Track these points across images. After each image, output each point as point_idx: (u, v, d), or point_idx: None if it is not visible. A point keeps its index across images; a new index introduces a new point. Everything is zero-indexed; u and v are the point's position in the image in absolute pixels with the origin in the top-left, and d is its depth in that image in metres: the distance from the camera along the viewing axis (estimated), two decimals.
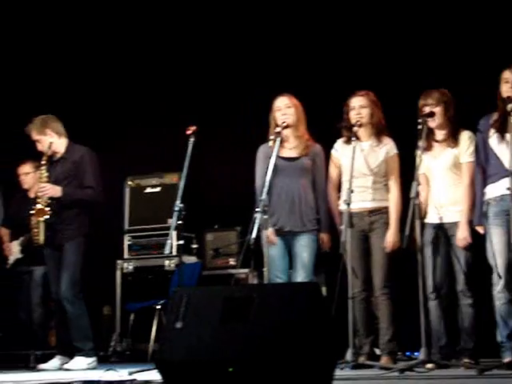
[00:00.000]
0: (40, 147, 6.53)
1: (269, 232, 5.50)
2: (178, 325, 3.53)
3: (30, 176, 7.63)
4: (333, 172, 5.79)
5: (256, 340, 3.36)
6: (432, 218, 5.53)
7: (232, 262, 7.81)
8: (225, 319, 3.46)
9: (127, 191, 8.12)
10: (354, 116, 5.67)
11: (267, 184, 5.40)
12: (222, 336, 3.43)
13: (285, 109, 5.76)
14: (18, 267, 7.78)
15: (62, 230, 6.41)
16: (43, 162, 6.49)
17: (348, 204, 5.40)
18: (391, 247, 5.58)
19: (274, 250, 5.64)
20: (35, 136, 6.51)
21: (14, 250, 7.77)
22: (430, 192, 5.55)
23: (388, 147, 5.71)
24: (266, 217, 5.34)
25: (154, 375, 4.28)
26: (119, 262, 8.02)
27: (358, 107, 5.68)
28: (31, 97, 8.77)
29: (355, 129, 5.60)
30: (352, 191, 5.41)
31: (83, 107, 8.77)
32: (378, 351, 5.73)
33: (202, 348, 3.44)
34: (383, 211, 5.66)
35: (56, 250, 6.45)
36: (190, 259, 7.68)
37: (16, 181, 7.78)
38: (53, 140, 6.50)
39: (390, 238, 5.58)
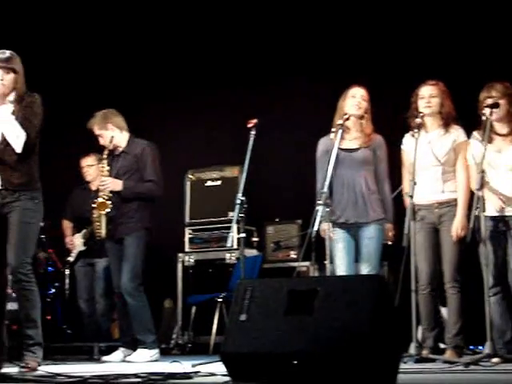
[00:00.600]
0: (102, 142, 6.59)
1: (325, 226, 5.46)
2: (242, 317, 3.54)
3: (93, 168, 7.70)
4: (405, 167, 5.73)
5: (320, 332, 3.35)
6: (492, 211, 5.44)
7: (293, 254, 7.81)
8: (289, 312, 3.46)
9: (188, 185, 8.16)
10: (423, 105, 5.61)
11: (329, 176, 5.37)
12: (286, 328, 3.43)
13: (360, 100, 5.64)
14: (81, 260, 7.88)
15: (123, 224, 6.46)
16: (104, 156, 6.55)
17: (411, 196, 5.35)
18: (456, 235, 5.50)
19: (339, 243, 5.60)
20: (97, 131, 6.58)
21: (77, 243, 7.87)
22: (487, 185, 5.45)
23: (456, 134, 5.61)
24: (327, 209, 5.32)
25: (218, 367, 4.31)
26: (180, 255, 8.07)
27: (428, 96, 5.60)
28: (94, 90, 8.92)
29: (418, 120, 5.53)
30: (415, 183, 5.36)
31: (145, 101, 8.86)
32: (441, 345, 5.67)
33: (267, 340, 3.44)
34: (452, 204, 5.57)
35: (118, 243, 6.50)
36: (251, 252, 7.69)
37: (78, 173, 7.87)
38: (114, 134, 6.56)
39: (456, 224, 5.49)
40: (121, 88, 8.90)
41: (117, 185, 6.47)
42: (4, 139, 5.10)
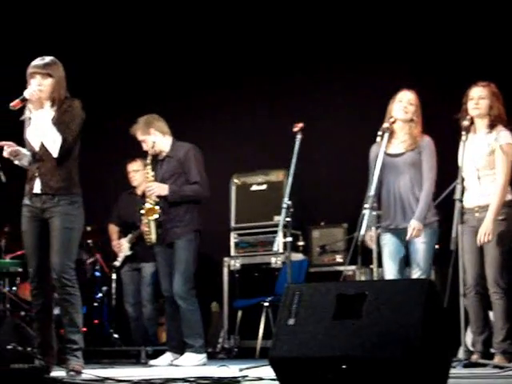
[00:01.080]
0: (145, 147, 6.64)
1: (368, 236, 5.43)
2: (291, 321, 3.54)
3: (139, 173, 7.73)
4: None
5: (369, 337, 3.33)
6: None
7: (339, 258, 7.78)
8: (337, 316, 3.45)
9: (233, 189, 8.17)
10: (471, 107, 5.56)
11: (375, 181, 5.34)
12: (334, 333, 3.42)
13: (407, 104, 5.59)
14: (127, 264, 7.93)
15: (172, 228, 6.48)
16: (148, 162, 6.60)
17: (460, 200, 5.30)
18: (480, 240, 5.43)
19: (387, 247, 5.56)
20: (140, 136, 6.62)
21: (123, 248, 7.91)
22: None
23: (494, 137, 5.50)
24: (374, 213, 5.30)
25: (265, 372, 4.32)
26: (226, 259, 8.10)
27: (477, 98, 5.54)
28: (140, 95, 9.02)
29: (465, 122, 5.48)
30: (464, 187, 5.31)
31: (191, 106, 8.92)
32: (492, 350, 5.60)
33: (315, 345, 3.43)
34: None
35: (167, 248, 6.53)
36: (297, 256, 7.67)
37: (125, 178, 7.93)
38: (157, 139, 6.59)
39: (481, 229, 5.42)
40: (166, 93, 8.98)
41: (162, 189, 6.50)
42: (43, 144, 5.16)
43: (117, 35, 9.31)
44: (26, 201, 5.26)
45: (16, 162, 5.31)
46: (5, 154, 5.20)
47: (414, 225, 5.42)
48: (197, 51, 9.06)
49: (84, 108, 5.28)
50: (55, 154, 5.10)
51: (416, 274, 5.48)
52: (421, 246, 5.49)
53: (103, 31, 9.34)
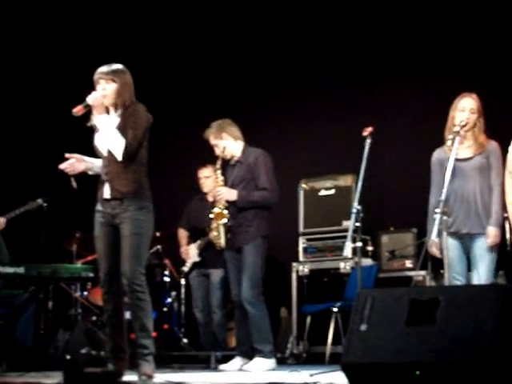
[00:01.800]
0: (217, 152, 6.69)
1: (439, 240, 5.37)
2: (363, 327, 3.52)
3: (209, 180, 7.74)
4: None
5: (443, 343, 3.31)
6: None
7: (408, 264, 7.70)
8: (410, 321, 3.44)
9: (301, 194, 8.16)
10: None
11: (446, 185, 5.29)
12: (408, 339, 3.40)
13: (468, 113, 5.54)
14: (196, 270, 7.96)
15: (241, 233, 6.51)
16: (218, 166, 6.64)
17: None
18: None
19: (452, 252, 5.50)
20: (212, 141, 6.67)
21: (192, 253, 7.94)
22: None
23: None
24: (445, 218, 5.24)
25: (336, 377, 4.30)
26: (295, 264, 8.08)
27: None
28: (212, 100, 9.11)
29: None
30: None
31: (260, 111, 8.97)
32: None
33: (388, 351, 3.42)
34: None
35: (236, 253, 6.56)
36: (366, 261, 7.61)
37: (196, 184, 7.98)
38: (228, 144, 6.64)
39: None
40: (237, 98, 9.04)
41: (231, 194, 6.54)
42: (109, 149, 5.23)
43: (188, 41, 9.42)
44: (98, 206, 5.32)
45: (90, 173, 5.41)
46: (62, 166, 5.31)
47: (492, 231, 5.42)
48: (266, 56, 9.11)
49: (153, 113, 5.34)
50: (119, 157, 5.15)
51: (479, 279, 5.42)
52: (483, 253, 5.44)
53: (173, 37, 9.47)
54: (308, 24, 8.83)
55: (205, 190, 7.91)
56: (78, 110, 5.13)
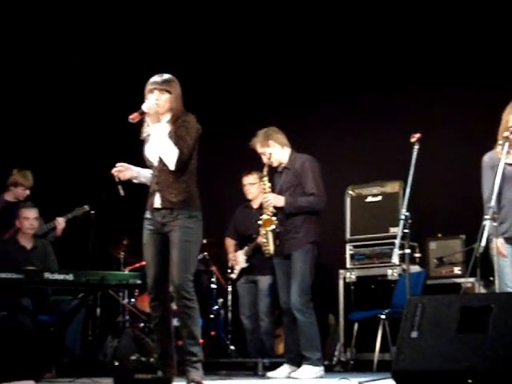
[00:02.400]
0: (265, 160, 6.71)
1: (498, 242, 5.32)
2: (414, 334, 3.51)
3: (254, 187, 7.78)
4: None
5: (495, 350, 3.28)
6: None
7: (457, 270, 7.64)
8: (462, 329, 3.42)
9: (348, 200, 8.15)
10: None
11: (495, 191, 5.24)
12: (459, 346, 3.38)
13: None
14: (244, 277, 7.97)
15: (289, 239, 6.53)
16: (265, 173, 6.69)
17: None
18: None
19: (504, 259, 5.44)
20: (259, 149, 6.71)
21: (240, 260, 7.95)
22: None
23: None
24: (495, 224, 5.19)
25: None
26: (342, 271, 8.06)
27: None
28: (256, 108, 9.15)
29: None
30: None
31: (307, 117, 8.99)
32: None
33: (439, 358, 3.40)
34: None
35: (285, 259, 6.58)
36: (414, 268, 7.57)
37: (242, 191, 7.99)
38: (275, 151, 6.67)
39: None
40: (283, 105, 9.06)
41: (279, 200, 6.56)
42: (161, 158, 5.27)
43: (233, 48, 9.47)
44: (148, 215, 5.37)
45: (134, 181, 5.46)
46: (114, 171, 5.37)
47: None
48: (314, 63, 9.11)
49: (199, 122, 5.39)
50: (172, 166, 5.20)
51: None
52: None
53: (217, 44, 9.51)
54: (358, 30, 8.84)
55: (249, 196, 7.93)
56: (134, 117, 5.20)
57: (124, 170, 5.38)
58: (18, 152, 9.00)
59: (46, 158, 9.42)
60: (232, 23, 9.43)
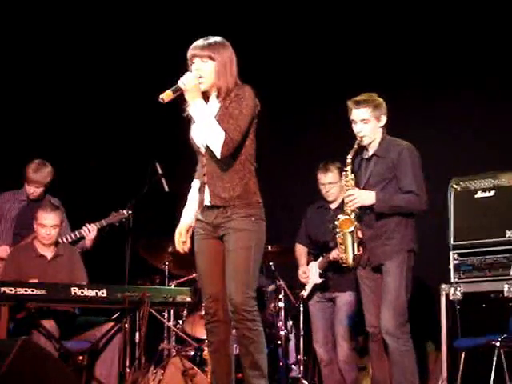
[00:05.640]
0: (357, 130, 6.45)
1: None
2: None
3: (335, 187, 7.78)
4: None
5: None
6: None
7: None
8: None
9: (452, 197, 7.94)
10: None
11: None
12: None
13: None
14: (317, 293, 7.94)
15: (379, 246, 6.39)
16: (348, 161, 6.45)
17: None
18: None
19: None
20: (359, 115, 6.43)
21: (313, 274, 7.91)
22: None
23: None
24: None
25: None
26: (444, 286, 7.81)
27: None
28: (335, 88, 9.08)
29: None
30: None
31: (404, 96, 8.95)
32: None
33: None
34: None
35: (373, 271, 6.46)
36: None
37: (316, 189, 7.98)
38: (372, 125, 6.44)
39: None
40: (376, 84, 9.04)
41: (368, 197, 6.37)
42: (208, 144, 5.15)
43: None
44: (198, 215, 5.31)
45: None
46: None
47: None
48: (402, 48, 9.19)
49: (260, 98, 5.23)
50: (218, 153, 5.08)
51: None
52: None
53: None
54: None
55: (330, 198, 7.89)
56: (165, 97, 5.07)
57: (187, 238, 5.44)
58: (48, 147, 9.17)
59: (76, 153, 9.80)
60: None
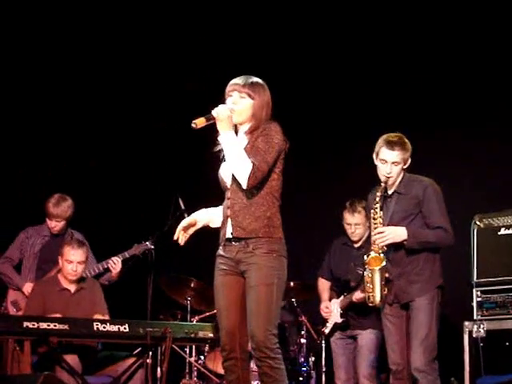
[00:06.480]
0: (388, 171, 6.43)
1: None
2: None
3: (361, 228, 7.80)
4: None
5: None
6: None
7: None
8: None
9: (475, 233, 7.90)
10: None
11: None
12: None
13: None
14: (339, 331, 7.91)
15: (409, 283, 6.36)
16: (377, 199, 6.41)
17: None
18: None
19: None
20: (400, 156, 6.44)
21: (334, 312, 7.88)
22: None
23: None
24: None
25: None
26: (467, 324, 7.75)
27: None
28: (359, 127, 9.17)
29: None
30: None
31: (425, 133, 8.87)
32: None
33: None
34: None
35: (400, 308, 6.42)
36: None
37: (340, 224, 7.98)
38: (400, 168, 6.46)
39: None
40: (399, 122, 9.03)
41: (399, 234, 6.33)
42: (234, 177, 5.21)
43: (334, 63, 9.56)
44: (220, 250, 5.32)
45: (211, 226, 5.50)
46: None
47: None
48: (434, 84, 9.17)
49: (288, 135, 5.30)
50: (244, 183, 5.12)
51: None
52: None
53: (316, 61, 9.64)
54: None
55: (354, 238, 7.87)
56: (198, 122, 5.14)
57: (189, 228, 5.44)
58: (70, 179, 9.32)
59: (99, 185, 9.64)
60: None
